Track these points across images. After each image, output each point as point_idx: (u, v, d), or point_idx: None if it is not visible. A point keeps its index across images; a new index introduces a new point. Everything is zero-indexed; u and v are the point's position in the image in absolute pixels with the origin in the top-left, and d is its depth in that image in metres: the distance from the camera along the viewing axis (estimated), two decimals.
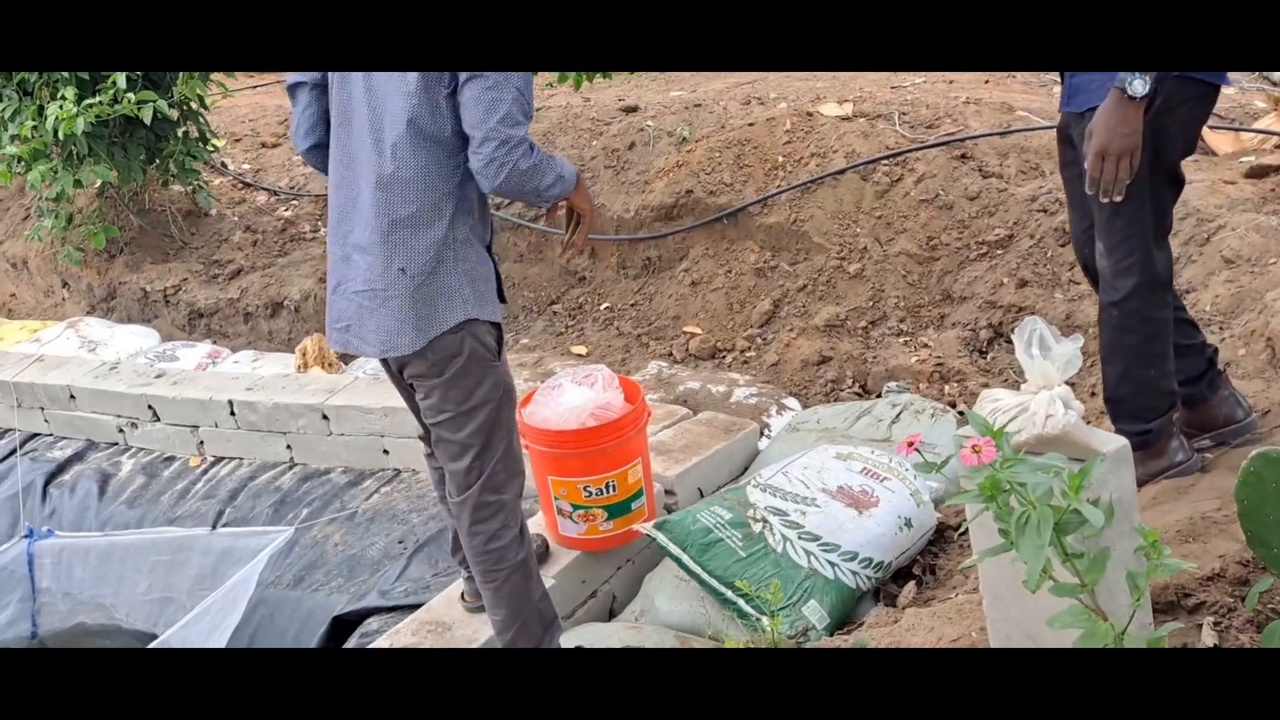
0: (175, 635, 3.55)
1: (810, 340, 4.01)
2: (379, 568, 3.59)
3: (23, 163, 5.22)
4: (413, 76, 2.08)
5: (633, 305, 4.63)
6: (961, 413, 3.44)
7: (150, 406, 4.81)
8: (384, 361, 2.32)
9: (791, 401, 3.77)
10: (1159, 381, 2.25)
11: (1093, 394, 3.11)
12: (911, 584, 2.65)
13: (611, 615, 3.00)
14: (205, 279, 5.77)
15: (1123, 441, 1.72)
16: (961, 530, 2.84)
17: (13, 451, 4.93)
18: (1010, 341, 3.64)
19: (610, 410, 2.81)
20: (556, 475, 2.77)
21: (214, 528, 4.16)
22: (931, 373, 3.63)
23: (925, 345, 3.79)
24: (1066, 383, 1.77)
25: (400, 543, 3.68)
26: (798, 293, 4.24)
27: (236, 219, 6.00)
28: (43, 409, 5.07)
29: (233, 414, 4.54)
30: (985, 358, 3.68)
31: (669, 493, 3.17)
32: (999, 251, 3.94)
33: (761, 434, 3.57)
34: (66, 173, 5.20)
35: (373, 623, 3.29)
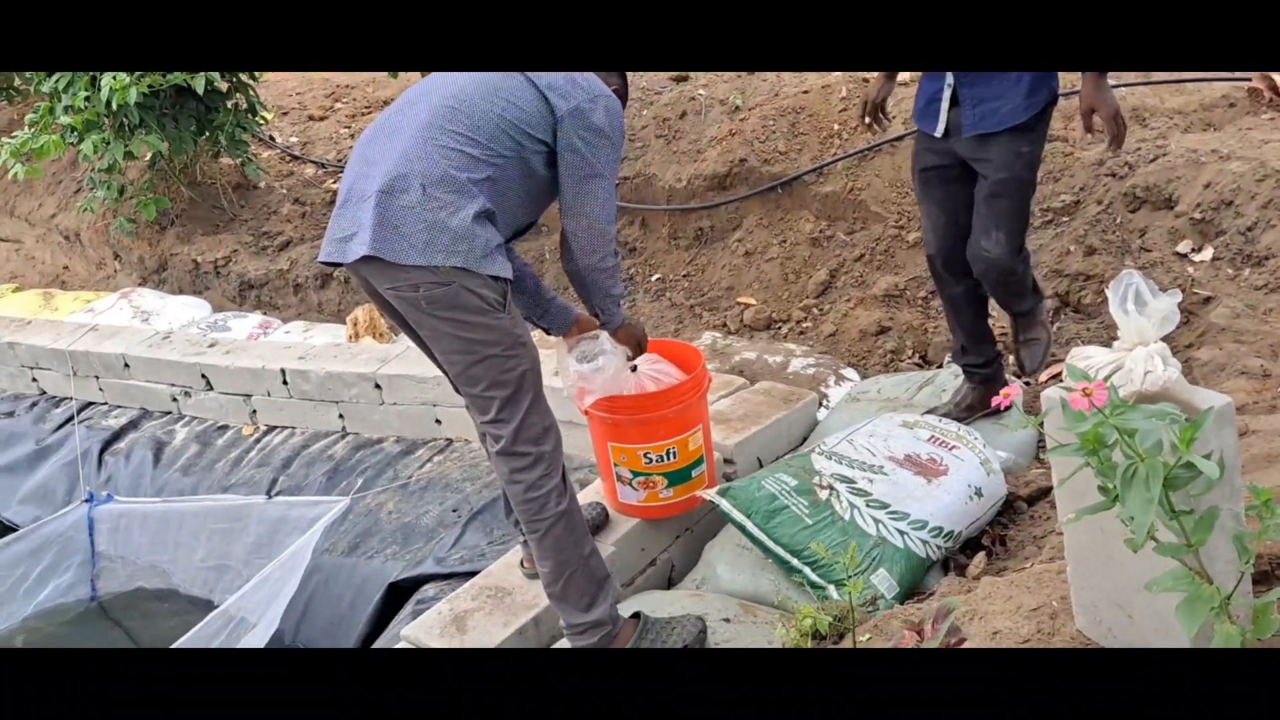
0: (235, 604, 3.57)
1: (868, 310, 3.93)
2: (433, 535, 3.58)
3: (75, 133, 5.25)
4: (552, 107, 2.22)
5: (685, 276, 4.57)
6: (1028, 383, 3.35)
7: (204, 375, 4.83)
8: (379, 297, 2.26)
9: (850, 372, 3.70)
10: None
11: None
12: (981, 554, 2.58)
13: (670, 584, 2.96)
14: (255, 250, 5.78)
15: (1226, 399, 1.64)
16: (1035, 499, 2.77)
17: (69, 419, 4.98)
18: (1078, 312, 3.54)
19: (669, 378, 2.75)
20: (616, 441, 2.73)
21: (269, 496, 4.17)
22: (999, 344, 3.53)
23: (990, 316, 3.69)
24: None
25: (454, 511, 3.67)
26: (855, 262, 4.15)
27: (285, 191, 6.01)
28: (97, 377, 5.12)
29: (285, 383, 4.55)
30: (1052, 327, 3.58)
31: (728, 461, 3.12)
32: (1065, 218, 3.83)
33: (820, 404, 3.50)
34: (118, 143, 5.22)
35: (429, 589, 3.28)
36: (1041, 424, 1.47)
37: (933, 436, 2.73)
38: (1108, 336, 3.42)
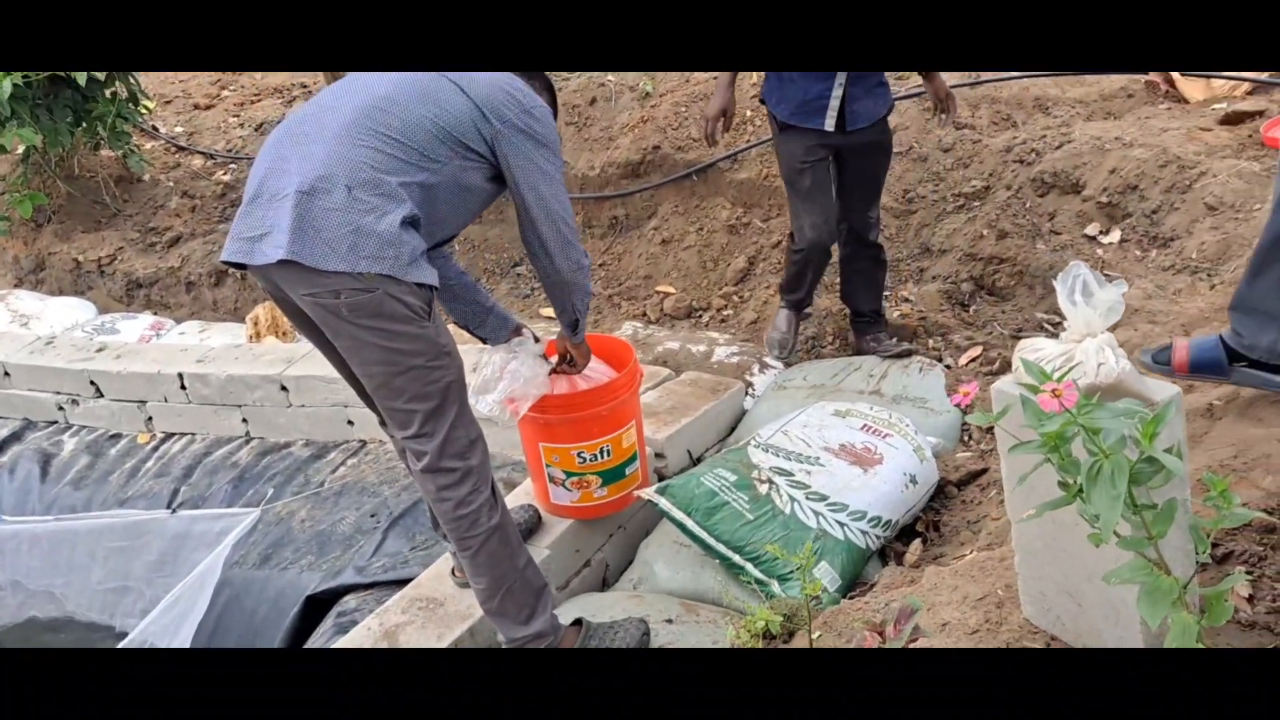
0: (142, 632, 3.37)
1: None
2: (351, 543, 3.43)
3: None
4: (482, 109, 2.12)
5: (601, 265, 4.50)
6: (949, 366, 3.40)
7: (93, 382, 4.55)
8: (289, 304, 2.15)
9: (774, 360, 3.69)
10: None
11: None
12: (917, 541, 2.59)
13: (605, 584, 2.90)
14: (142, 247, 5.48)
15: (1175, 390, 1.66)
16: (965, 483, 2.80)
17: None
18: (992, 294, 3.60)
19: (599, 375, 2.70)
20: (548, 442, 2.65)
21: (170, 509, 3.95)
22: (915, 327, 3.57)
23: (906, 299, 3.72)
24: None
25: (373, 516, 3.53)
26: (773, 249, 4.14)
27: (172, 184, 5.71)
28: None
29: (183, 388, 4.31)
30: (968, 310, 3.63)
31: (658, 455, 3.07)
32: (976, 203, 3.89)
33: (747, 393, 3.48)
34: None
35: (350, 601, 3.15)
36: (997, 419, 1.45)
37: (866, 425, 2.73)
38: (1021, 320, 3.49)
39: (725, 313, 4.01)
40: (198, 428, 4.42)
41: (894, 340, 3.46)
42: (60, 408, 4.66)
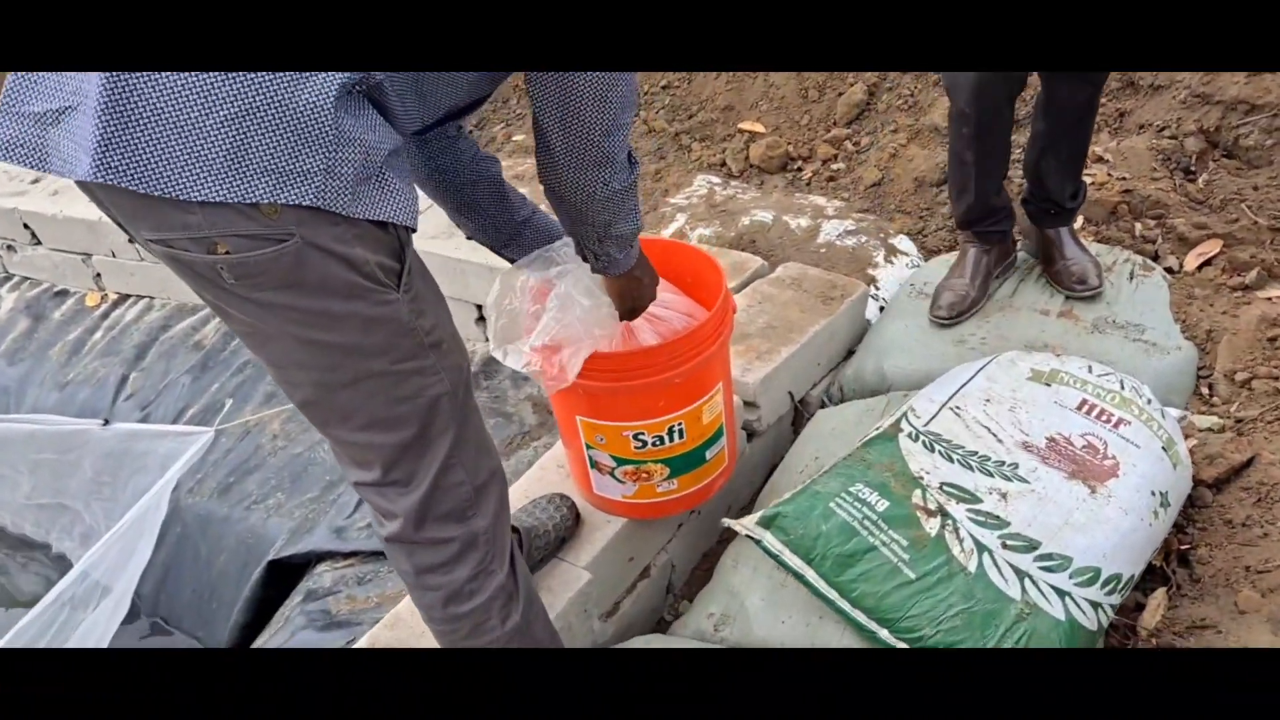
0: (84, 566, 2.64)
1: (926, 147, 2.84)
2: (332, 486, 2.60)
3: None
4: None
5: (665, 88, 3.39)
6: (1172, 271, 2.35)
7: (26, 225, 3.66)
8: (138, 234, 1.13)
9: (904, 242, 2.66)
10: None
11: None
12: (1160, 592, 1.67)
13: (669, 590, 2.05)
14: None
15: None
16: (1225, 482, 1.83)
17: None
18: (1233, 158, 2.49)
19: (671, 314, 1.73)
20: (590, 417, 1.72)
21: (114, 401, 3.14)
22: (1116, 203, 2.50)
23: (1100, 159, 2.63)
24: None
25: None
26: (903, 74, 3.01)
27: None
28: None
29: (133, 240, 3.40)
30: (1195, 181, 2.53)
31: (748, 404, 2.14)
32: None
33: (871, 296, 2.49)
34: None
35: (324, 575, 2.35)
36: None
37: (1085, 401, 1.75)
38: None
39: (835, 167, 2.94)
40: (156, 291, 3.55)
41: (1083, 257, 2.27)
42: None
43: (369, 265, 1.11)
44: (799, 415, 2.30)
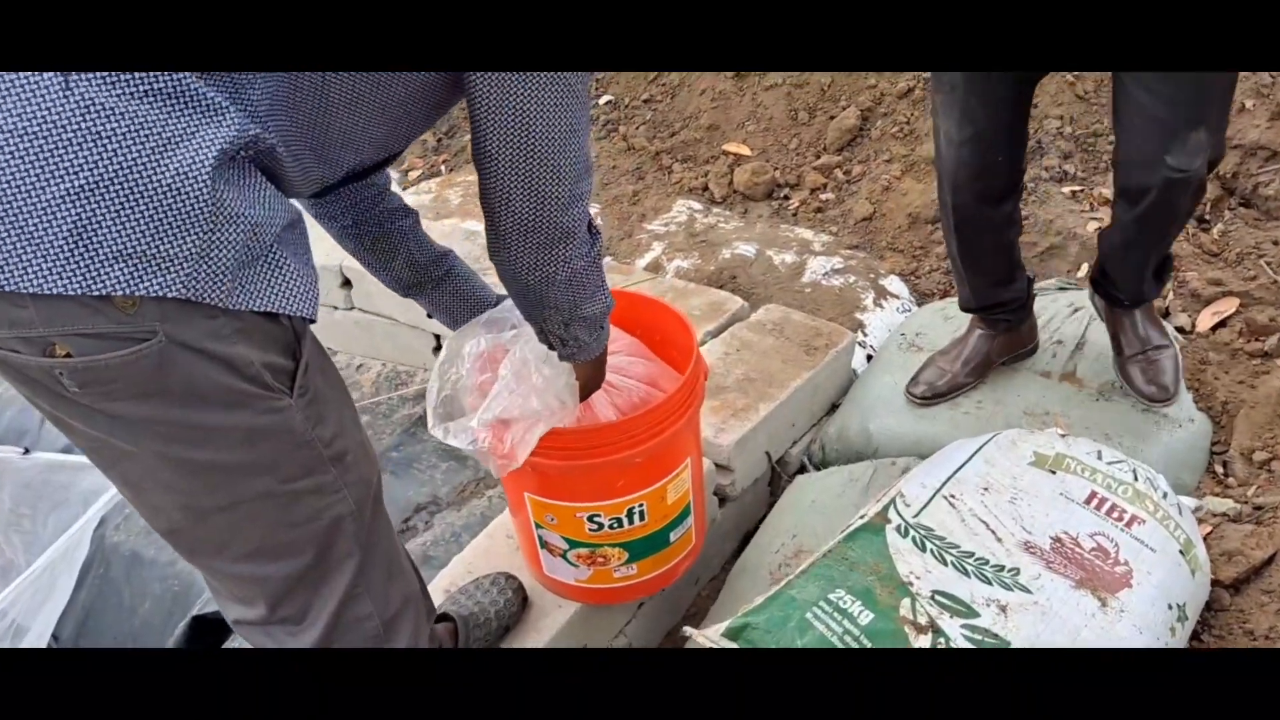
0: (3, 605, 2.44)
1: (921, 180, 2.65)
2: None
3: None
4: None
5: (647, 102, 3.19)
6: (1184, 331, 2.17)
7: None
8: None
9: (895, 283, 2.47)
10: None
11: None
12: None
13: None
14: None
15: None
16: (1243, 584, 1.65)
17: None
18: (1251, 207, 2.32)
19: (631, 383, 1.54)
20: (539, 495, 1.53)
21: (41, 426, 2.91)
22: None
23: (1108, 201, 2.45)
24: None
25: None
26: (899, 99, 2.82)
27: None
28: None
29: None
30: (1209, 230, 2.35)
31: (720, 468, 1.94)
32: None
33: (859, 342, 2.30)
34: None
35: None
36: None
37: (1094, 494, 1.56)
38: None
39: (824, 197, 2.75)
40: None
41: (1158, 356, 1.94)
42: None
43: (253, 367, 0.91)
44: (776, 475, 2.11)
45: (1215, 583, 1.65)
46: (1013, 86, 1.69)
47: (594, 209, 2.85)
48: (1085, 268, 2.36)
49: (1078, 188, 2.52)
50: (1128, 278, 1.86)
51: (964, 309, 2.03)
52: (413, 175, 3.33)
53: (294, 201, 0.99)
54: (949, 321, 2.25)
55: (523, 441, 1.36)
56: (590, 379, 1.34)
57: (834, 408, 2.21)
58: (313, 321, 0.95)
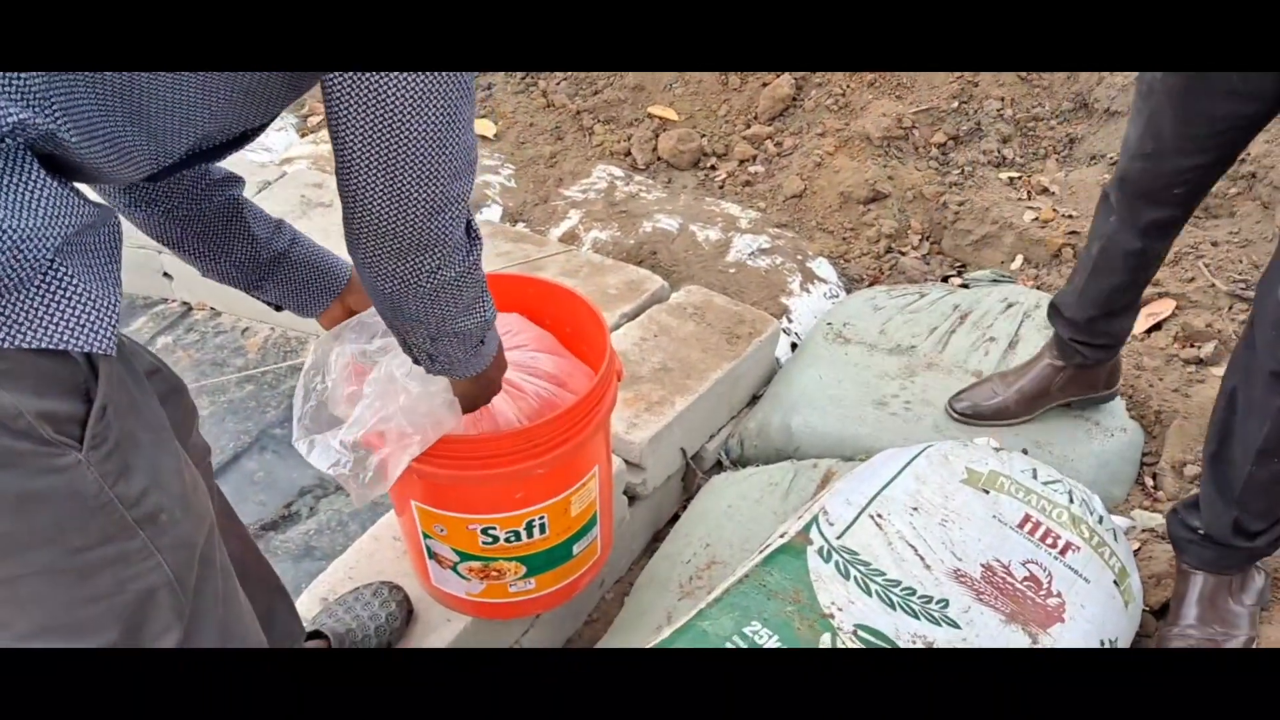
0: None
1: (855, 158, 2.52)
2: None
3: None
4: None
5: None
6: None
7: None
8: None
9: (824, 267, 2.35)
10: None
11: None
12: None
13: None
14: None
15: None
16: (1164, 611, 1.58)
17: None
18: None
19: (538, 384, 1.39)
20: (427, 504, 1.37)
21: None
22: (1061, 245, 2.23)
23: (1046, 190, 2.36)
24: None
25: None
26: (843, 74, 2.68)
27: None
28: None
29: None
30: None
31: (631, 465, 1.80)
32: None
33: (784, 330, 2.18)
34: None
35: None
36: None
37: (1028, 517, 1.47)
38: (1249, 260, 2.17)
39: (752, 169, 2.60)
40: None
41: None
42: None
43: (23, 419, 0.71)
44: (690, 471, 1.98)
45: (1144, 610, 1.58)
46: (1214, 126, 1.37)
47: (507, 171, 2.65)
48: (1020, 260, 2.26)
49: (1015, 174, 2.42)
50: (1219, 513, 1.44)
51: (1053, 310, 1.79)
52: (313, 121, 3.07)
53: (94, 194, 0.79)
54: (879, 312, 2.14)
55: (391, 465, 1.20)
56: (476, 394, 1.17)
57: (755, 399, 2.09)
58: (108, 354, 0.76)
